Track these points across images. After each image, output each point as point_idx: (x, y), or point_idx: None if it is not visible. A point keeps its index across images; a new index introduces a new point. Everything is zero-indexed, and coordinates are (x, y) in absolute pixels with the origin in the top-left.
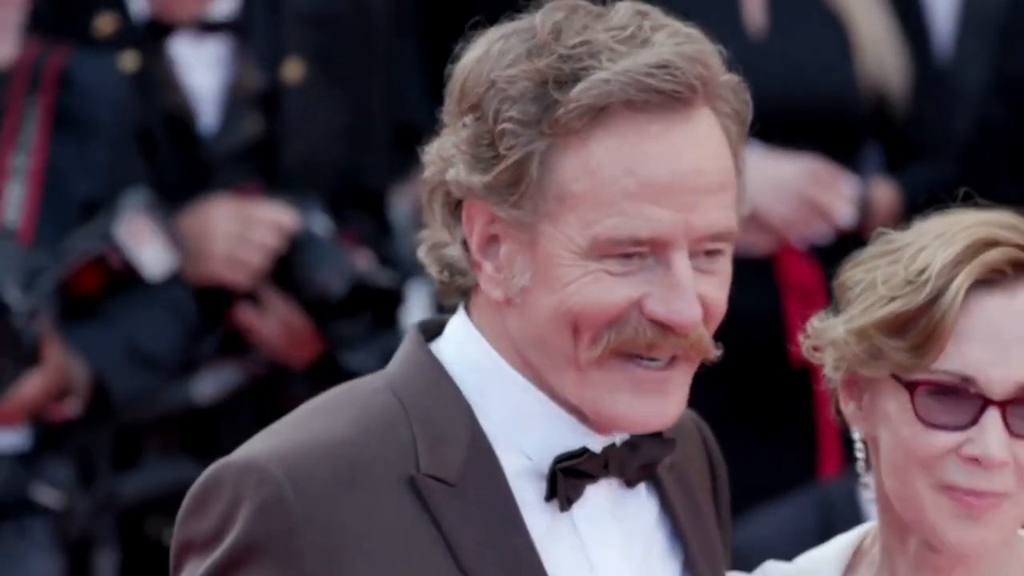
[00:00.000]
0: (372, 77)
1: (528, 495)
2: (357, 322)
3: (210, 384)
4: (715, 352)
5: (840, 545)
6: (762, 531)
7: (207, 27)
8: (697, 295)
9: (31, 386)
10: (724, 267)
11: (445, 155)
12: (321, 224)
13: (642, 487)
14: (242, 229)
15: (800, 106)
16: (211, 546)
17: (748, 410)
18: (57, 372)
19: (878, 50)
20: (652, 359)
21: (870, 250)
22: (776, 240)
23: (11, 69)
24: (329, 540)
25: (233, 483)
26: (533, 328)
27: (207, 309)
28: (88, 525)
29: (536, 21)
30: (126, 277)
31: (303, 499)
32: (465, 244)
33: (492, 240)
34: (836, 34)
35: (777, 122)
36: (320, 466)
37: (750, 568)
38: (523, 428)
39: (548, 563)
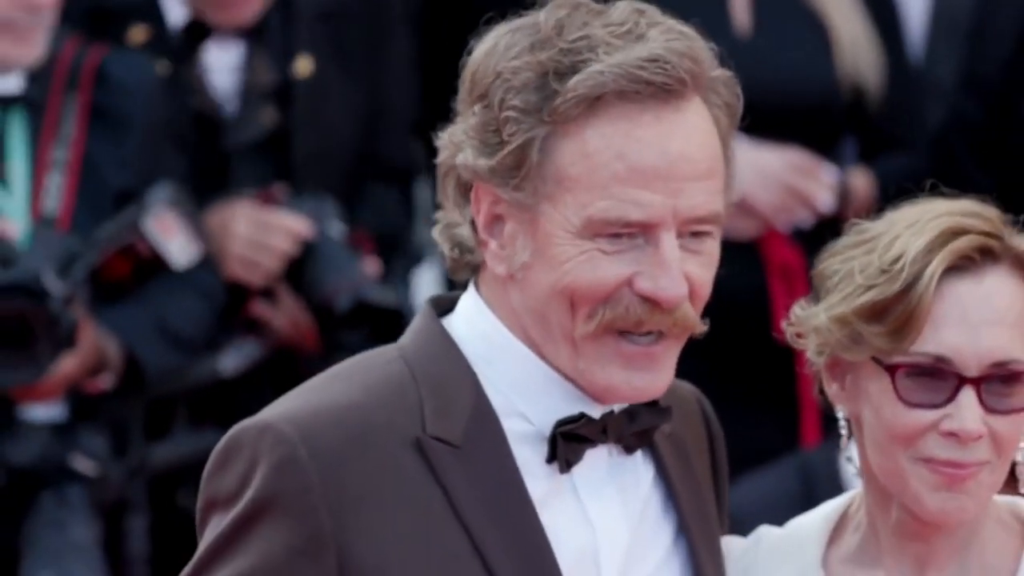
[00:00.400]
0: (384, 67)
1: (530, 458)
2: (357, 333)
3: (234, 358)
4: (701, 327)
5: (827, 511)
6: (748, 496)
7: (235, 32)
8: (684, 273)
9: (68, 364)
10: (711, 248)
11: (456, 140)
12: (336, 229)
13: (639, 453)
14: (260, 235)
15: (783, 100)
16: (232, 502)
17: (734, 383)
18: (92, 351)
19: (855, 48)
20: (642, 335)
21: (845, 240)
22: (762, 225)
23: (50, 68)
24: (340, 497)
25: (252, 444)
26: (533, 302)
27: (232, 293)
28: (121, 491)
29: (540, 18)
30: (154, 265)
31: (316, 458)
32: (473, 224)
33: (497, 220)
34: (816, 33)
35: (761, 115)
36: (332, 428)
37: (738, 529)
38: (526, 395)
39: (547, 522)
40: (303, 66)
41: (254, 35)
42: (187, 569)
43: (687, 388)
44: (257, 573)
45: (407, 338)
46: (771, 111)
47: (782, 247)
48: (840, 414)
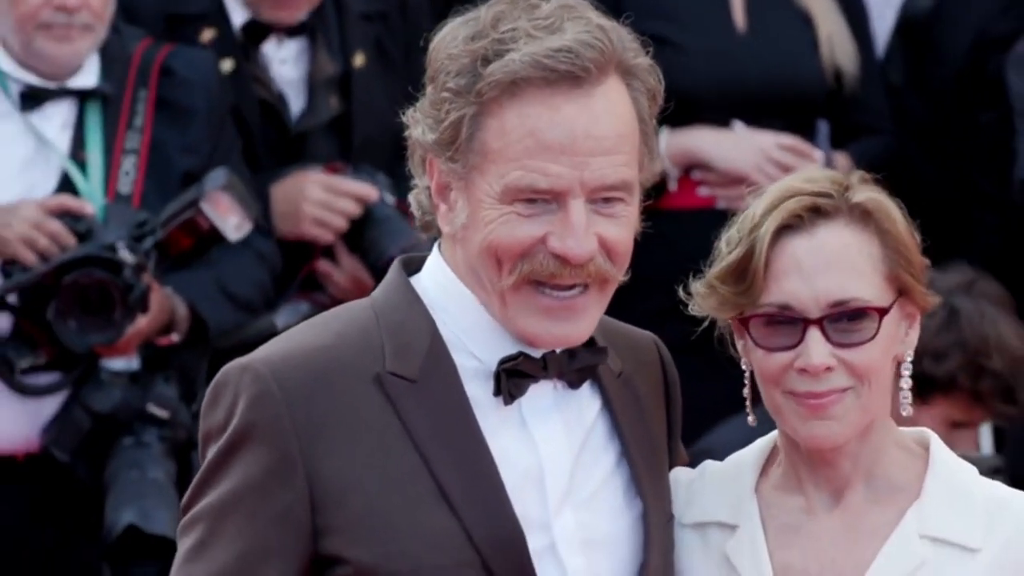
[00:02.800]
0: (417, 63)
1: (480, 392)
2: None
3: (287, 316)
4: (619, 277)
5: (760, 446)
6: (725, 437)
7: (290, 31)
8: (596, 234)
9: (142, 324)
10: (623, 211)
11: (415, 118)
12: (389, 200)
13: (585, 389)
14: (331, 198)
15: (775, 88)
16: (220, 433)
17: (712, 342)
18: (162, 312)
19: (834, 42)
20: (560, 288)
21: (731, 220)
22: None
23: (124, 65)
24: (307, 425)
25: (235, 382)
26: (471, 258)
27: (293, 259)
28: (190, 433)
29: (482, 12)
30: (213, 238)
31: (285, 392)
32: (429, 190)
33: (446, 187)
34: (803, 32)
35: (756, 101)
36: (302, 366)
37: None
38: (475, 337)
39: (497, 447)
40: (358, 59)
41: (312, 32)
42: (187, 493)
43: (646, 336)
44: (240, 492)
45: (378, 291)
46: (765, 98)
47: None
48: (744, 367)
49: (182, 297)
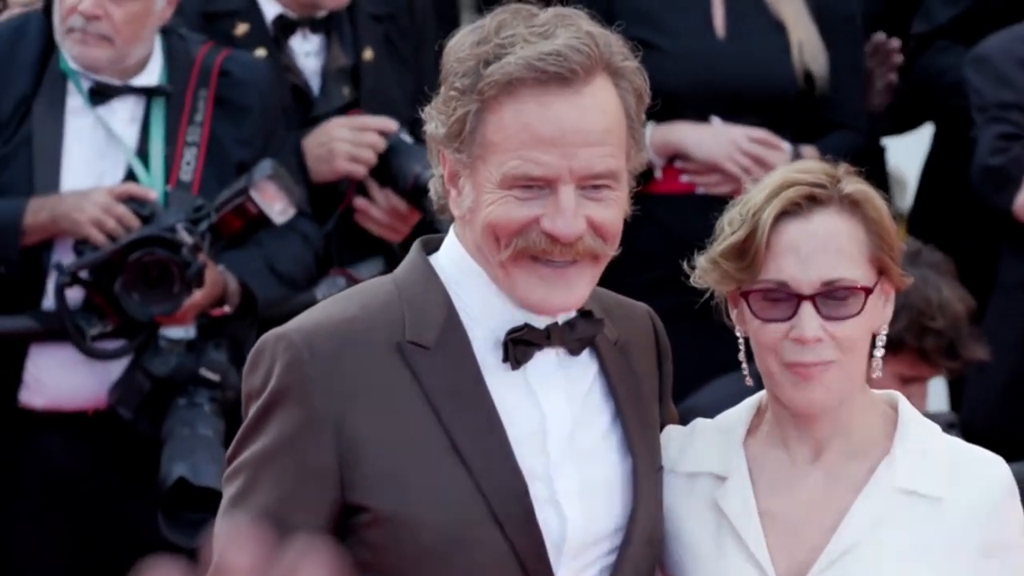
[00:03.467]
0: (422, 58)
1: (490, 359)
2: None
3: (325, 289)
4: (610, 253)
5: (747, 405)
6: (716, 395)
7: (313, 27)
8: (586, 216)
9: (197, 297)
10: (611, 196)
11: (430, 114)
12: (405, 135)
13: (584, 355)
14: (358, 134)
15: (751, 88)
16: (259, 394)
17: (703, 311)
18: (216, 286)
19: (805, 50)
20: (552, 260)
21: (732, 203)
22: (735, 185)
23: (186, 67)
24: (335, 388)
25: (271, 349)
26: (476, 237)
27: (327, 201)
28: (238, 394)
29: (488, 20)
30: (261, 221)
31: (315, 358)
32: (442, 178)
33: (456, 175)
34: (777, 38)
35: (733, 100)
36: (330, 335)
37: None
38: (485, 309)
39: (505, 407)
40: (367, 54)
41: (328, 29)
42: (231, 446)
43: (641, 307)
44: (276, 447)
45: (399, 269)
46: (741, 96)
47: None
48: (739, 334)
49: (234, 274)
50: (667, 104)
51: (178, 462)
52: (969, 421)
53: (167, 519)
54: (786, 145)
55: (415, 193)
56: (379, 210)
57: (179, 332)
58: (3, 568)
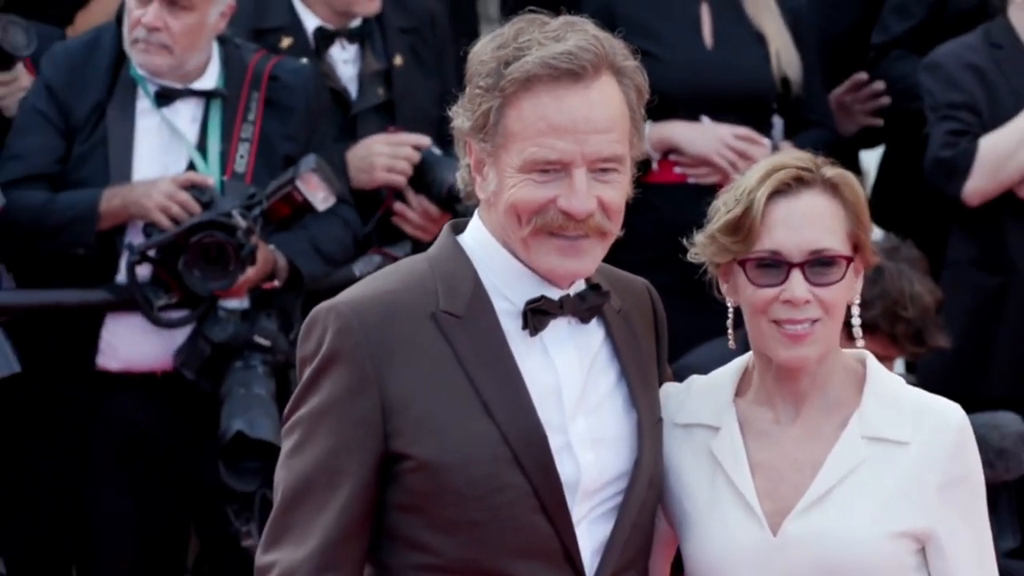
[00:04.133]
0: (444, 65)
1: (512, 326)
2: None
3: (362, 266)
4: (615, 231)
5: (737, 365)
6: (703, 356)
7: (350, 38)
8: (596, 196)
9: (250, 273)
10: (617, 179)
11: (457, 111)
12: (435, 148)
13: (593, 323)
14: (396, 148)
15: (735, 91)
16: (313, 358)
17: (693, 285)
18: (266, 264)
19: (782, 59)
20: (567, 235)
21: (721, 191)
22: (721, 175)
23: (240, 72)
24: (379, 352)
25: (323, 318)
26: (500, 217)
27: (369, 204)
28: (288, 357)
29: (507, 28)
30: (305, 208)
31: (362, 326)
32: (469, 166)
33: (481, 163)
34: (758, 48)
35: (720, 101)
36: (373, 306)
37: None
38: (507, 283)
39: (525, 369)
40: (397, 60)
41: (362, 40)
42: (288, 405)
43: (640, 281)
44: (328, 404)
45: (432, 249)
46: (727, 98)
47: None
48: (729, 304)
49: (283, 253)
50: (662, 105)
51: (236, 418)
52: (923, 382)
53: (227, 468)
54: (766, 141)
55: (448, 200)
56: (414, 214)
57: (235, 304)
58: (83, 513)
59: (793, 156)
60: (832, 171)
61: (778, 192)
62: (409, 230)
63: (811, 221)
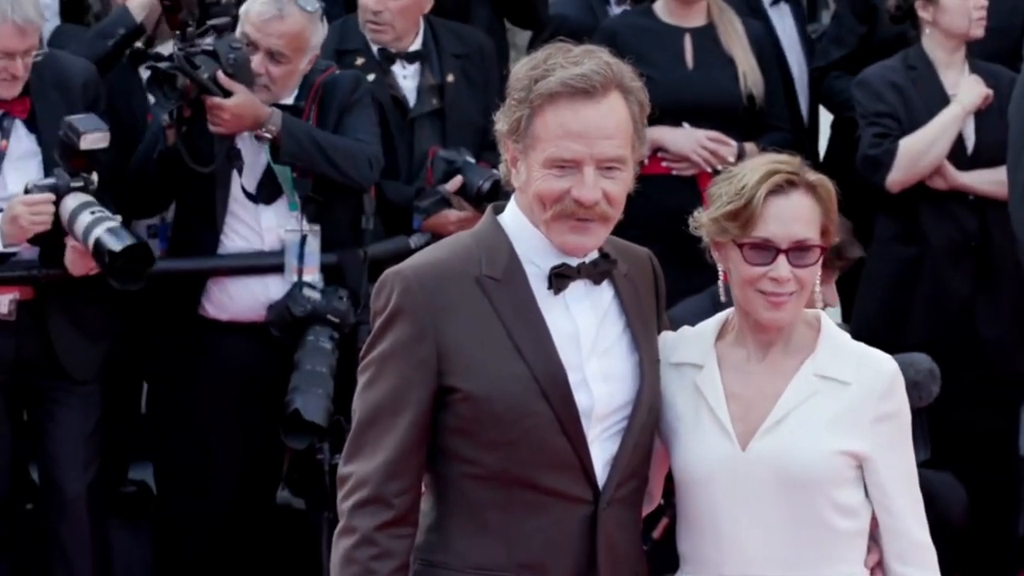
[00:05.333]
0: (490, 84)
1: (541, 287)
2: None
3: (416, 240)
4: (616, 215)
5: (719, 318)
6: (685, 309)
7: (409, 58)
8: (601, 188)
9: (228, 103)
10: (619, 176)
11: (499, 117)
12: (471, 158)
13: (605, 284)
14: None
15: (710, 105)
16: (382, 313)
17: (677, 255)
18: (251, 105)
19: (749, 78)
20: (578, 218)
21: (721, 176)
22: (698, 168)
23: (309, 85)
24: (435, 308)
25: (391, 281)
26: (529, 202)
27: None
28: (351, 329)
29: (539, 53)
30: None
31: (420, 287)
32: (507, 162)
33: (515, 159)
34: (729, 69)
35: (698, 113)
36: (430, 271)
37: (678, 327)
38: (536, 253)
39: (549, 321)
40: (449, 77)
41: (420, 60)
42: (362, 350)
43: (643, 250)
44: (394, 348)
45: (477, 226)
46: (704, 111)
47: (708, 180)
48: (720, 268)
49: (280, 116)
50: (652, 114)
51: (298, 395)
52: (855, 333)
53: (284, 430)
54: (734, 143)
55: (478, 198)
56: (456, 212)
57: (316, 284)
58: (200, 434)
59: (784, 161)
60: (813, 176)
61: (773, 192)
62: (453, 230)
63: (797, 217)
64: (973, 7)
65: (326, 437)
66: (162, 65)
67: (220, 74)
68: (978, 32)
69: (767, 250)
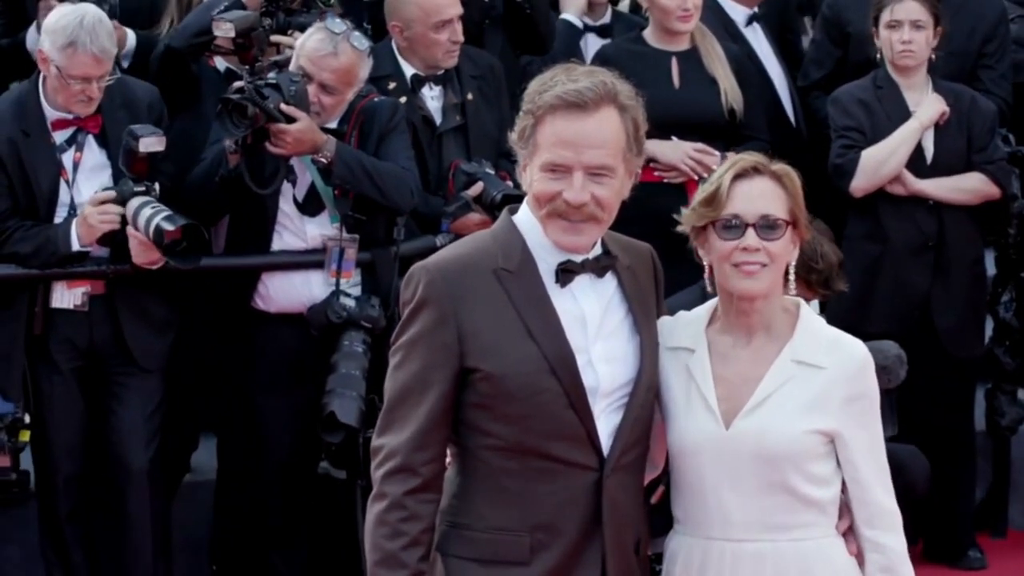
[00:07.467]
0: (502, 103)
1: (549, 280)
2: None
3: (441, 239)
4: (605, 217)
5: (708, 306)
6: (676, 300)
7: (436, 81)
8: (590, 192)
9: (291, 128)
10: (608, 182)
11: (513, 127)
12: (490, 169)
13: (608, 276)
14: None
15: (695, 120)
16: (410, 303)
17: (668, 252)
18: (311, 132)
19: (730, 96)
20: (569, 218)
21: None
22: (685, 178)
23: (351, 112)
24: (457, 297)
25: (418, 274)
26: (532, 203)
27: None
28: (383, 332)
29: (547, 72)
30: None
31: (445, 279)
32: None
33: (524, 164)
34: (712, 87)
35: (685, 128)
36: (453, 265)
37: (672, 313)
38: (545, 249)
39: (559, 310)
40: (469, 96)
41: (444, 82)
42: (392, 336)
43: (644, 246)
44: (421, 334)
45: (495, 225)
46: (689, 125)
47: (695, 188)
48: (704, 260)
49: (335, 144)
50: None
51: (333, 398)
52: (829, 319)
53: (323, 429)
54: (717, 153)
55: (491, 207)
56: (475, 218)
57: (353, 292)
58: (252, 419)
59: (752, 155)
60: (777, 166)
61: (739, 176)
62: (473, 229)
63: (762, 196)
64: (897, 40)
65: (359, 435)
66: (234, 96)
67: (282, 104)
68: (906, 62)
69: (736, 227)
